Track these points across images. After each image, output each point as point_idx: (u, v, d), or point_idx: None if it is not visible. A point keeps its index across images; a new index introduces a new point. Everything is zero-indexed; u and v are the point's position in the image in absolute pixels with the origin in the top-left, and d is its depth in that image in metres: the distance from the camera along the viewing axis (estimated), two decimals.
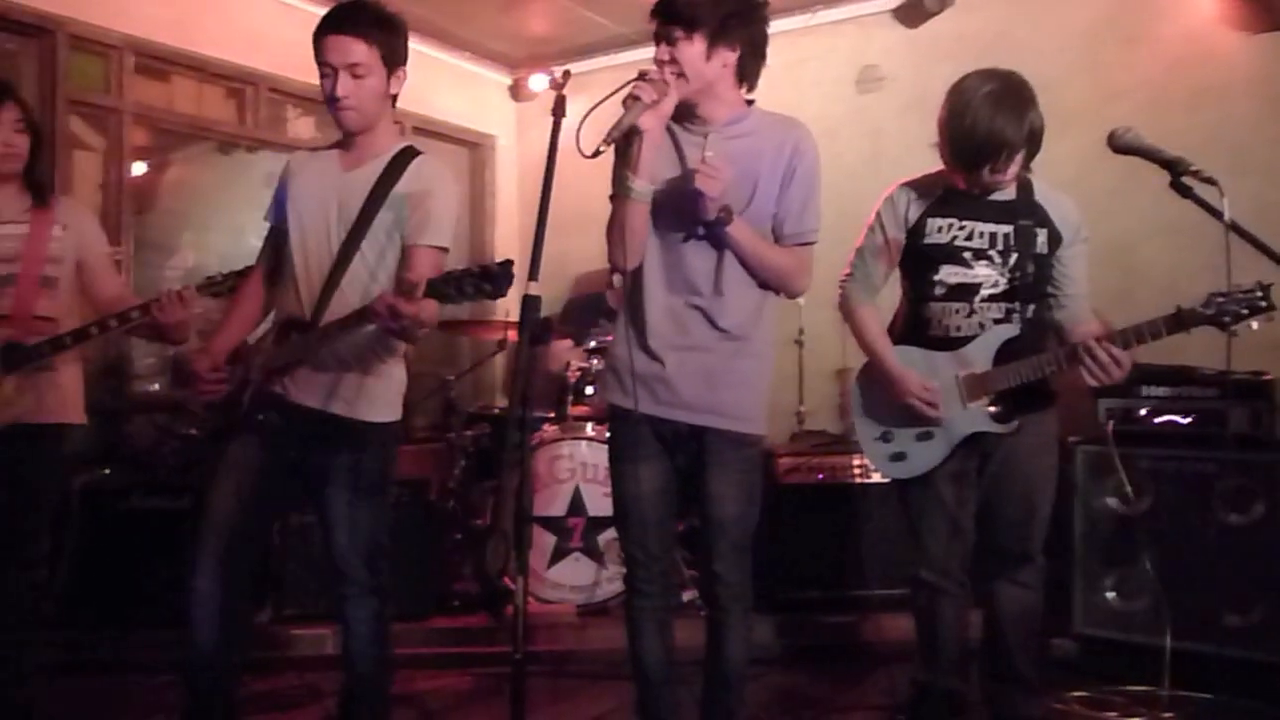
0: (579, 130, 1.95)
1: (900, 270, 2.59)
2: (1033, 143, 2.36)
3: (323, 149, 2.45)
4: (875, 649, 3.48)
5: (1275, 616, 2.99)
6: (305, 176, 2.38)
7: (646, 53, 2.21)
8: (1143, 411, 3.29)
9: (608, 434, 2.38)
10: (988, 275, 2.45)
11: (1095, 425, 3.28)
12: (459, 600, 3.82)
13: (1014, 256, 2.44)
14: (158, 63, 4.36)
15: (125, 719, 2.93)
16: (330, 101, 2.26)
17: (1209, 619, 2.95)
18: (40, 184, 2.72)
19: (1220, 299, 2.22)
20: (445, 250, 2.30)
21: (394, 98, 2.35)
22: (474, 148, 5.96)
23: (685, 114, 2.21)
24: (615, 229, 2.19)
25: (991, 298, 2.46)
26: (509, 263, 1.95)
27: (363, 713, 2.42)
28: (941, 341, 2.50)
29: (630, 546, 2.31)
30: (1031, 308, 2.47)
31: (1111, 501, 3.25)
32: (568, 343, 4.36)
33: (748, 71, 2.22)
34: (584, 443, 3.81)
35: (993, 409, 2.46)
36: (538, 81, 5.77)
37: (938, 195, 2.50)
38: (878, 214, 2.57)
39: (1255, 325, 2.21)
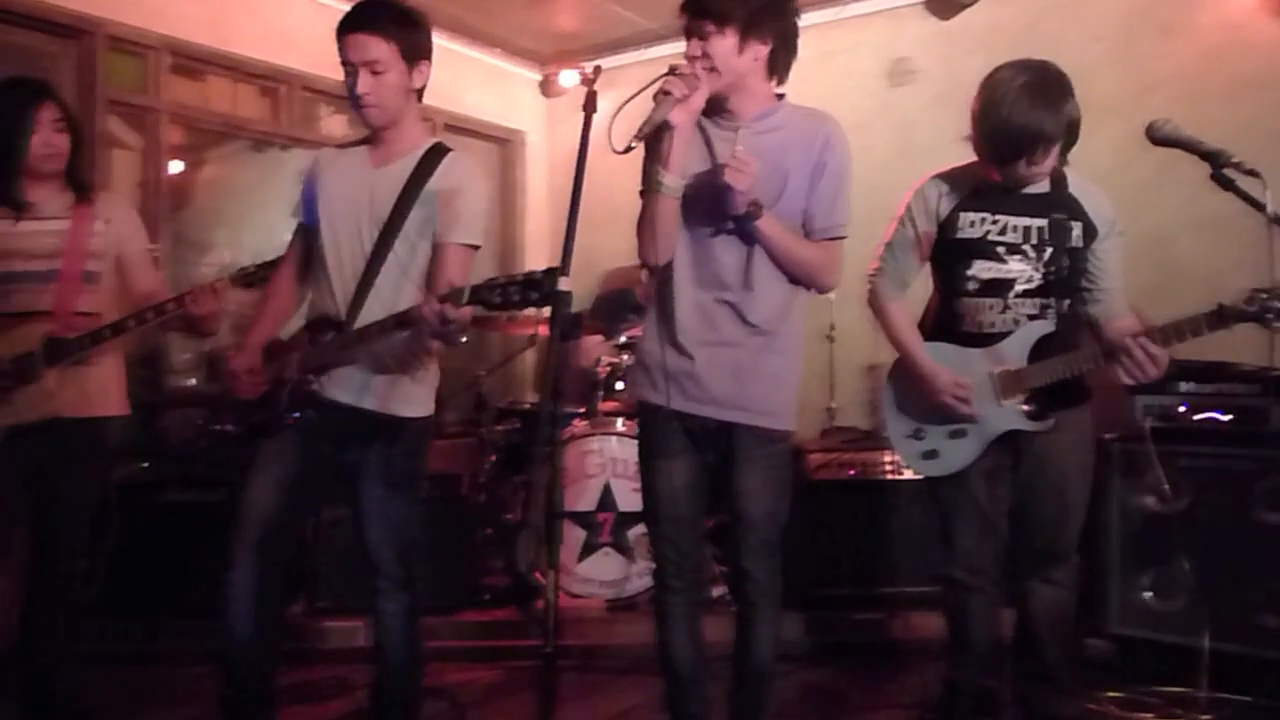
0: (610, 126, 1.95)
1: (931, 265, 2.56)
2: (1070, 135, 2.33)
3: (350, 145, 2.47)
4: (905, 647, 3.45)
5: None
6: (334, 174, 2.39)
7: (676, 48, 2.20)
8: (1181, 408, 3.24)
9: (637, 430, 2.38)
10: (1021, 270, 2.42)
11: (1132, 422, 3.23)
12: (489, 594, 3.84)
13: (1048, 251, 2.41)
14: (193, 62, 4.42)
15: (162, 708, 2.97)
16: (353, 99, 2.28)
17: (1248, 619, 2.91)
18: (81, 181, 2.76)
19: (1263, 295, 2.17)
20: (476, 248, 2.31)
21: (419, 92, 2.36)
22: (504, 144, 5.99)
23: (715, 108, 2.20)
24: (645, 224, 2.19)
25: (1026, 293, 2.43)
26: (554, 270, 1.95)
27: (393, 705, 2.44)
28: (975, 338, 2.47)
29: (660, 542, 2.30)
30: (1066, 303, 2.43)
31: (1149, 500, 3.20)
32: (598, 338, 4.37)
33: (779, 65, 2.21)
34: (614, 438, 3.81)
35: (1027, 406, 2.43)
36: (567, 77, 5.78)
37: (970, 188, 2.47)
38: (907, 207, 2.53)
39: None
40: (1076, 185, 2.45)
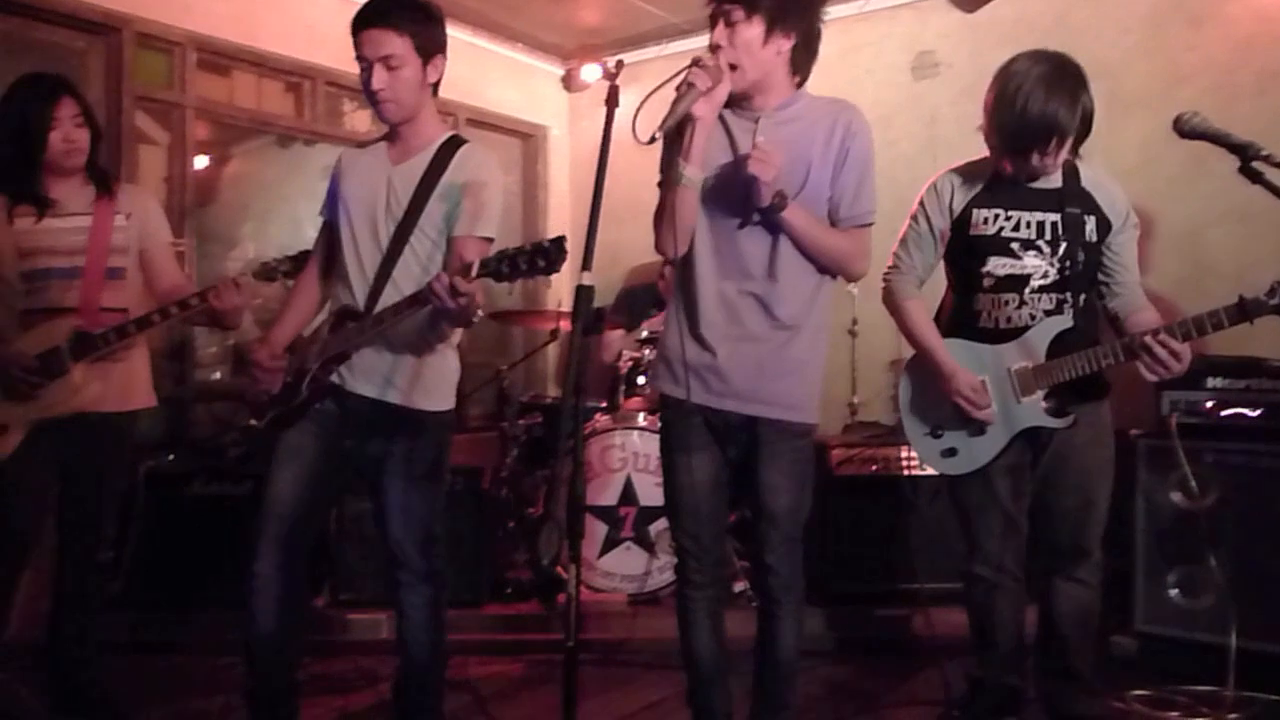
0: (634, 119, 1.95)
1: (945, 261, 2.55)
2: (1084, 126, 2.30)
3: (371, 142, 2.48)
4: (927, 643, 3.42)
5: None
6: (355, 171, 2.41)
7: (698, 42, 2.20)
8: (1208, 404, 3.20)
9: (660, 424, 2.38)
10: (1037, 266, 2.40)
11: (1158, 418, 3.20)
12: (512, 588, 3.85)
13: (1063, 245, 2.39)
14: (219, 58, 4.45)
15: (187, 698, 3.00)
16: (368, 94, 2.29)
17: (1276, 617, 2.87)
18: (103, 174, 2.78)
19: None
20: (491, 240, 2.31)
21: (435, 86, 2.36)
22: (526, 139, 5.99)
23: (736, 99, 2.19)
24: (664, 216, 2.18)
25: (1042, 288, 2.41)
26: (562, 239, 1.96)
27: (416, 697, 2.45)
28: (992, 334, 2.45)
29: (682, 537, 2.30)
30: (1083, 297, 2.42)
31: (1175, 496, 3.16)
32: (620, 332, 4.37)
33: (799, 63, 2.20)
34: (636, 432, 3.82)
35: (1046, 403, 2.41)
36: (590, 72, 5.77)
37: (983, 183, 2.45)
38: (921, 203, 2.52)
39: None
40: (1089, 178, 2.43)
